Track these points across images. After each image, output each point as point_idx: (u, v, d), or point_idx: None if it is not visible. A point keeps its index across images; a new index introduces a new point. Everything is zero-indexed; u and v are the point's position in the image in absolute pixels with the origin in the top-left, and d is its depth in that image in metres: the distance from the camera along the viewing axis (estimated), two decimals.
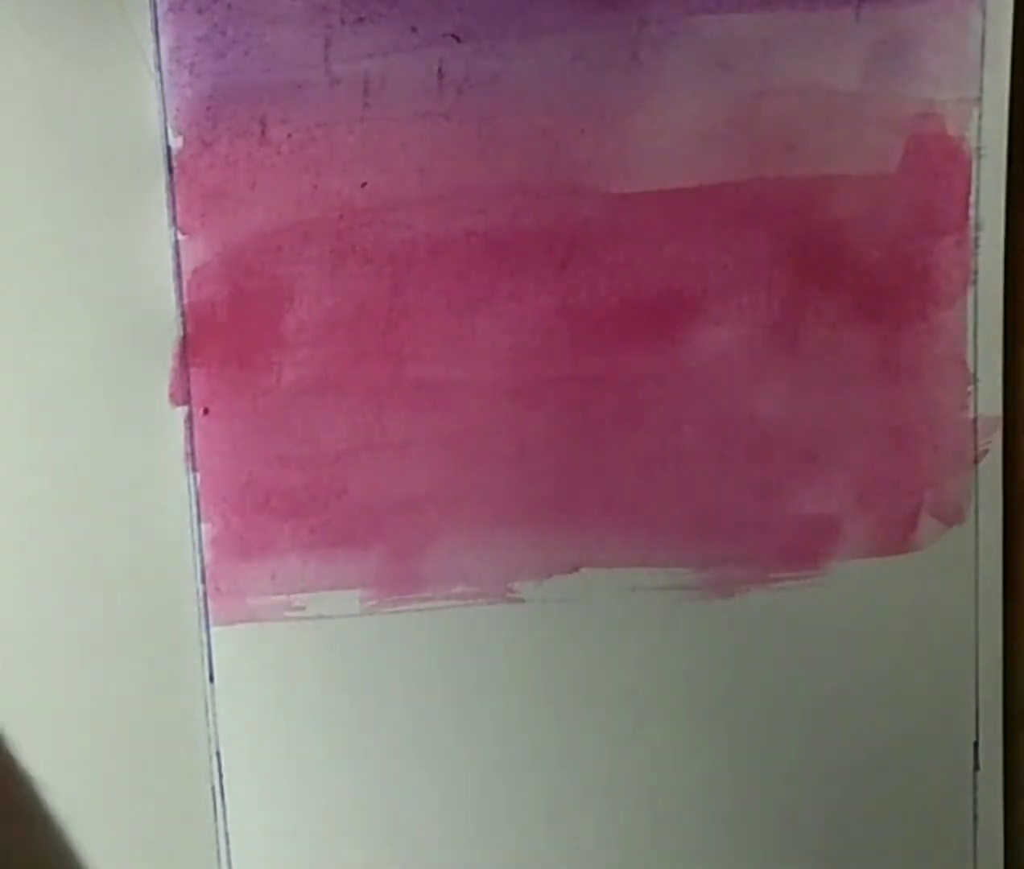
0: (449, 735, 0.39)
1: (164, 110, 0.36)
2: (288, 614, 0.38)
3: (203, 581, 0.38)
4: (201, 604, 0.38)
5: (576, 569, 0.39)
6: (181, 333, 0.37)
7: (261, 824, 0.39)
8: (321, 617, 0.39)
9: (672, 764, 0.40)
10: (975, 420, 0.39)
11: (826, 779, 0.41)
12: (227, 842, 0.39)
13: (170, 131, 0.36)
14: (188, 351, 0.37)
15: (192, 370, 0.37)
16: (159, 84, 0.36)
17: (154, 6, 0.35)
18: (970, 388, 0.39)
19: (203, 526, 0.38)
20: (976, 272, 0.38)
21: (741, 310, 0.38)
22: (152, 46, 0.35)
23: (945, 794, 0.41)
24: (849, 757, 0.40)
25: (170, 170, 0.36)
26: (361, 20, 0.36)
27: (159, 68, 0.35)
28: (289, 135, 0.36)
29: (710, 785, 0.40)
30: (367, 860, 0.40)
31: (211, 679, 0.38)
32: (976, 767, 0.41)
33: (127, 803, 0.39)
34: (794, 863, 0.41)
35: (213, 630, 0.38)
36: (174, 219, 0.36)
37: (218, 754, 0.39)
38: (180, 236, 0.36)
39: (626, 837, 0.41)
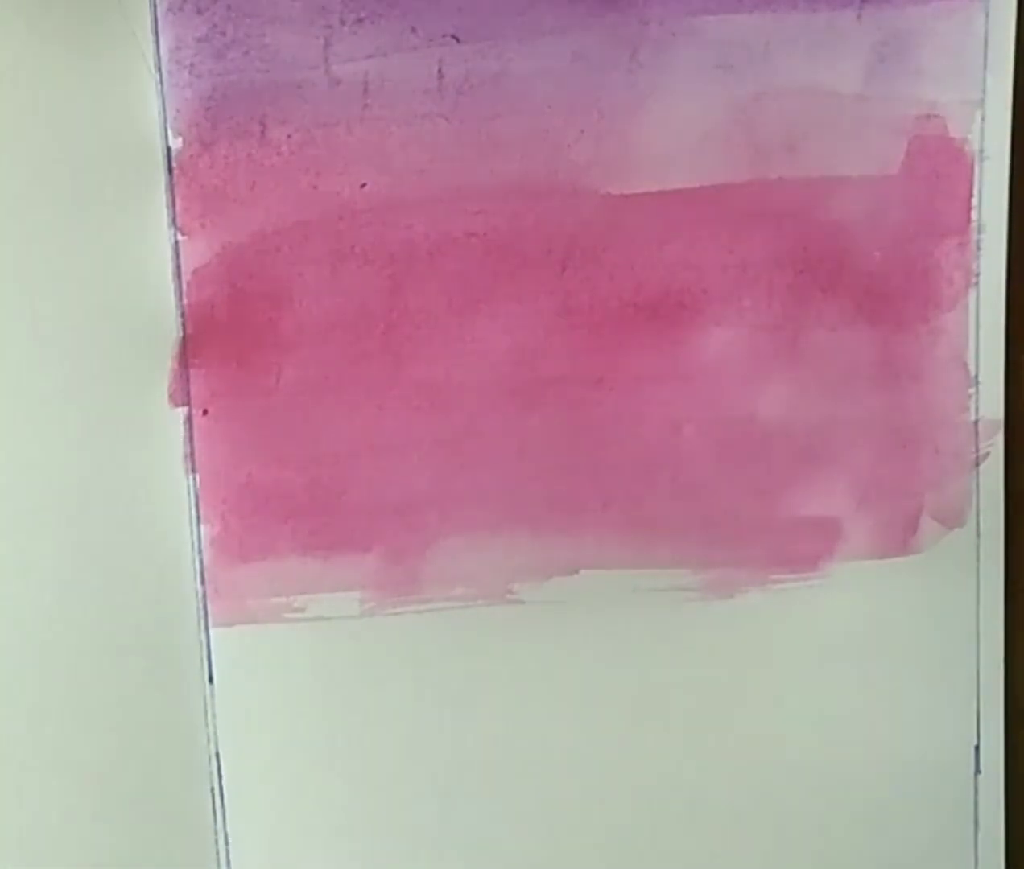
0: (448, 737, 0.40)
1: (164, 110, 0.36)
2: (287, 615, 0.38)
3: (202, 582, 0.38)
4: (200, 605, 0.38)
5: (576, 570, 0.39)
6: (181, 333, 0.37)
7: (261, 824, 0.39)
8: (321, 618, 0.39)
9: (672, 765, 0.40)
10: (976, 423, 0.39)
11: (826, 781, 0.41)
12: (227, 842, 0.39)
13: (170, 131, 0.36)
14: (188, 352, 0.37)
15: (192, 371, 0.37)
16: (159, 84, 0.35)
17: (154, 6, 0.35)
18: (971, 391, 0.39)
19: (202, 527, 0.38)
20: (978, 275, 0.38)
21: (741, 311, 0.38)
22: (152, 46, 0.35)
23: (946, 798, 0.41)
24: (849, 760, 0.40)
25: (170, 170, 0.36)
26: (361, 20, 0.36)
27: (159, 68, 0.35)
28: (289, 135, 0.36)
29: (709, 786, 0.40)
30: (367, 860, 0.40)
31: (211, 680, 0.38)
32: (977, 770, 0.41)
33: (127, 803, 0.39)
34: (793, 865, 0.41)
35: (212, 631, 0.38)
36: (174, 219, 0.36)
37: (218, 754, 0.39)
38: (180, 236, 0.36)
39: (626, 839, 0.41)
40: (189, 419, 0.37)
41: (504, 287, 0.38)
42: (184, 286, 0.37)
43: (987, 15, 0.36)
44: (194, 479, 0.38)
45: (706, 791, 0.40)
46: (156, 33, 0.35)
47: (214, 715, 0.39)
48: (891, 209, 0.38)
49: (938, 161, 0.37)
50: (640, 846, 0.41)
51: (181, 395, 0.37)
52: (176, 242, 0.36)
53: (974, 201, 0.38)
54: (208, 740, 0.39)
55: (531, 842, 0.40)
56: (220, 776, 0.39)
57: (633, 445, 0.39)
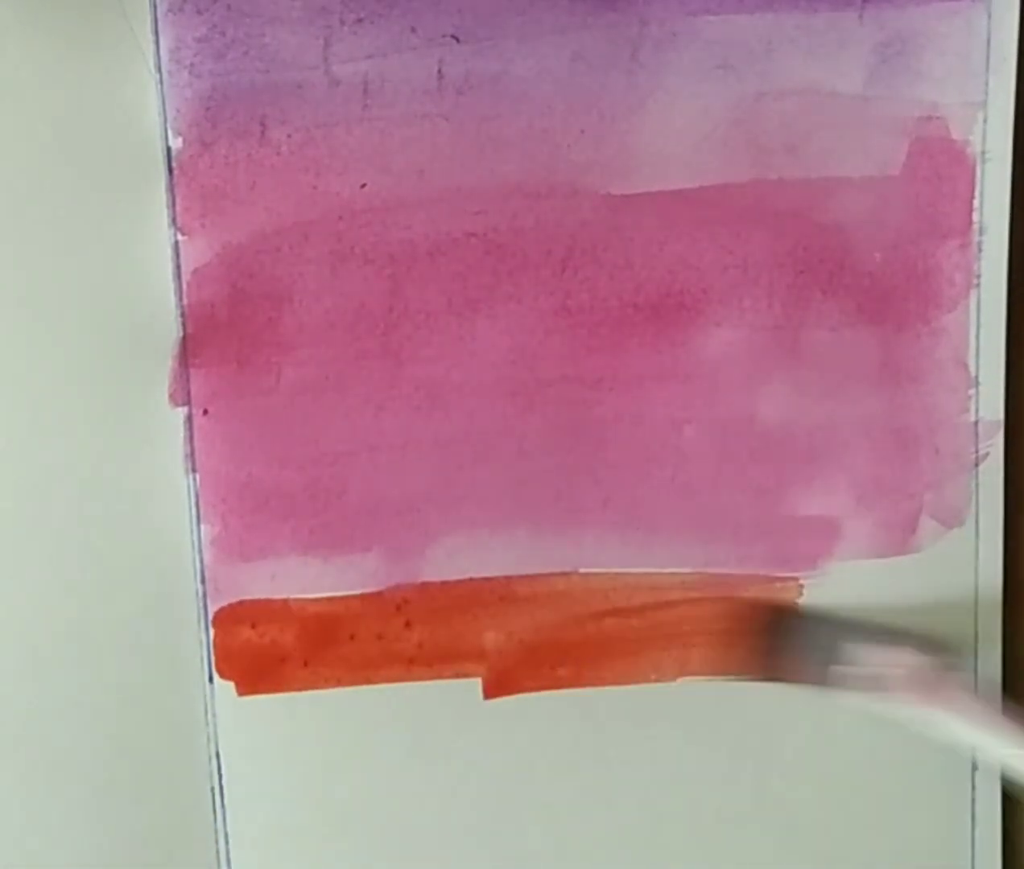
0: (448, 736, 0.40)
1: (164, 110, 0.36)
2: None
3: (203, 582, 0.38)
4: (201, 605, 0.38)
5: (576, 570, 0.39)
6: (181, 333, 0.37)
7: (261, 824, 0.40)
8: None
9: (671, 764, 0.40)
10: (976, 424, 0.39)
11: (824, 780, 0.41)
12: (227, 842, 0.39)
13: (170, 131, 0.36)
14: (188, 351, 0.37)
15: (192, 370, 0.37)
16: (159, 84, 0.35)
17: (154, 7, 0.35)
18: (972, 392, 0.39)
19: (202, 527, 0.38)
20: (979, 276, 0.38)
21: (742, 312, 0.38)
22: (152, 47, 0.35)
23: (943, 795, 0.41)
24: (847, 758, 0.40)
25: (170, 170, 0.36)
26: (361, 20, 0.36)
27: (159, 69, 0.35)
28: (289, 135, 0.36)
29: (709, 786, 0.41)
30: (367, 861, 0.40)
31: (211, 679, 0.38)
32: (975, 768, 0.41)
33: (127, 803, 0.39)
34: (792, 864, 0.41)
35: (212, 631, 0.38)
36: (174, 219, 0.36)
37: (218, 754, 0.39)
38: (180, 236, 0.36)
39: (626, 839, 0.41)
40: (189, 419, 0.37)
41: (504, 287, 0.38)
42: (184, 286, 0.37)
43: (989, 16, 0.36)
44: (194, 479, 0.38)
45: (705, 789, 0.41)
46: (156, 33, 0.35)
47: (214, 715, 0.39)
48: (892, 210, 0.38)
49: (940, 162, 0.37)
50: (641, 846, 0.41)
51: (181, 395, 0.37)
52: (176, 242, 0.36)
53: (975, 203, 0.38)
54: (208, 740, 0.39)
55: (532, 840, 0.40)
56: (220, 776, 0.39)
57: (633, 445, 0.39)
